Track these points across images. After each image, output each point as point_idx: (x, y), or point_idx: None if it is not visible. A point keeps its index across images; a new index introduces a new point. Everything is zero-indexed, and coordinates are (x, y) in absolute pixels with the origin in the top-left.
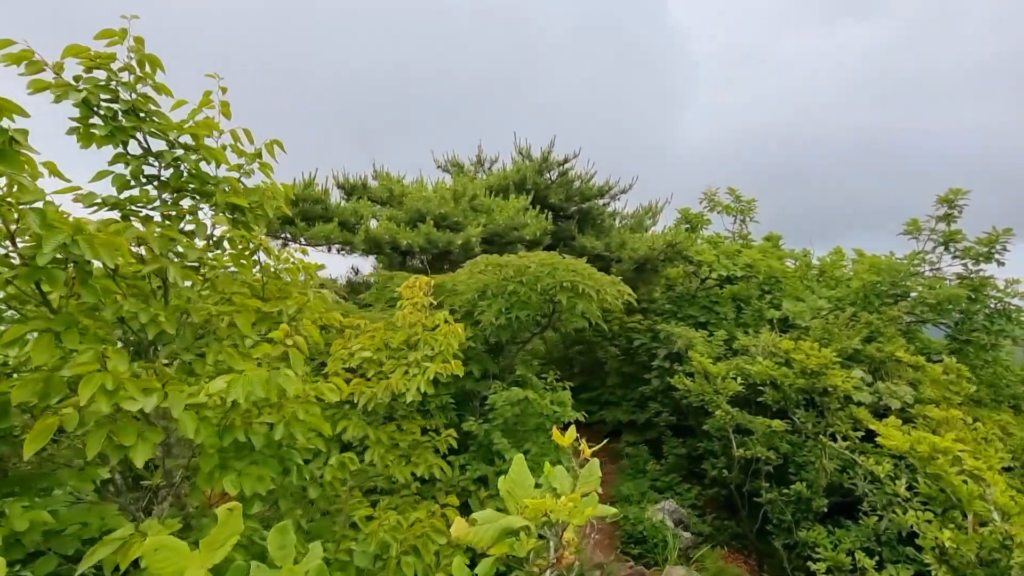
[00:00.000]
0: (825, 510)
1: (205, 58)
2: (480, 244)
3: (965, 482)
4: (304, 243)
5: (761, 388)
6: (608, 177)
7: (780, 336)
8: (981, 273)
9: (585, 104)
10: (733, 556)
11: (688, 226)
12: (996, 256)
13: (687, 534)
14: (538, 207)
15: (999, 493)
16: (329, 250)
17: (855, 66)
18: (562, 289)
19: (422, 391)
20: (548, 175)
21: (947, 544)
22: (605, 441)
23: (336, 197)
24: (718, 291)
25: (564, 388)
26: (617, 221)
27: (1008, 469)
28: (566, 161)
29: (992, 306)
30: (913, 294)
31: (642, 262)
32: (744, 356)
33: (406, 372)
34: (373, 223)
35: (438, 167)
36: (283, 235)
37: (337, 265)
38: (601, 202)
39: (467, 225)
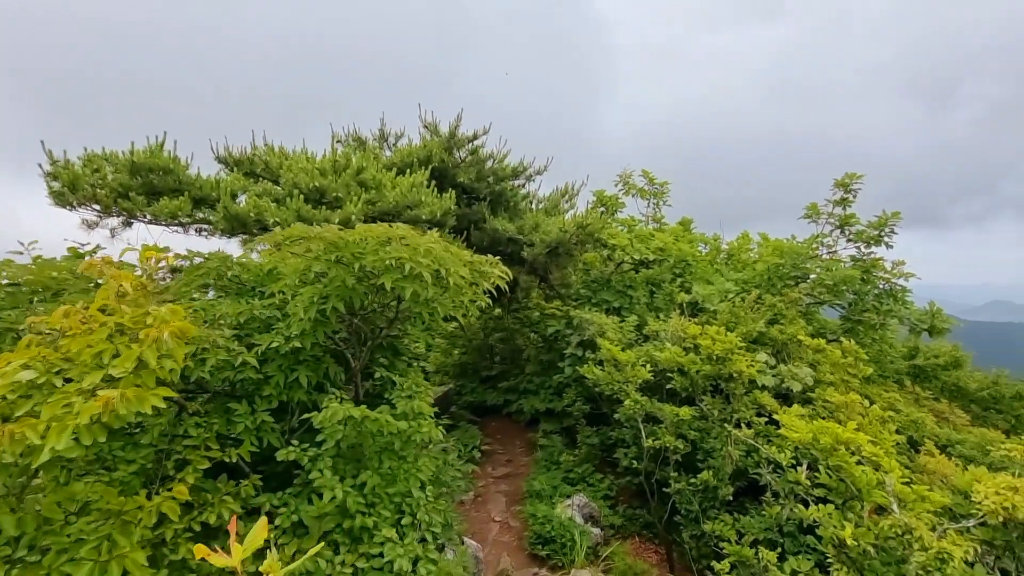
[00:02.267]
0: (731, 498)
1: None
2: (366, 223)
3: (865, 472)
4: (149, 221)
5: (670, 375)
6: (523, 157)
7: (690, 320)
8: (872, 255)
9: (511, 90)
10: (645, 547)
11: (604, 209)
12: (885, 239)
13: (596, 530)
14: (447, 187)
15: (897, 481)
16: (187, 231)
17: (763, 65)
18: (388, 270)
19: (83, 442)
20: (458, 153)
21: (848, 542)
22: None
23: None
24: (633, 275)
25: (428, 394)
26: (534, 204)
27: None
28: (475, 137)
29: (881, 287)
30: (812, 276)
31: (554, 246)
32: (655, 342)
33: (68, 407)
34: (242, 199)
35: (338, 142)
36: (115, 211)
37: (202, 249)
38: (516, 183)
39: (347, 201)
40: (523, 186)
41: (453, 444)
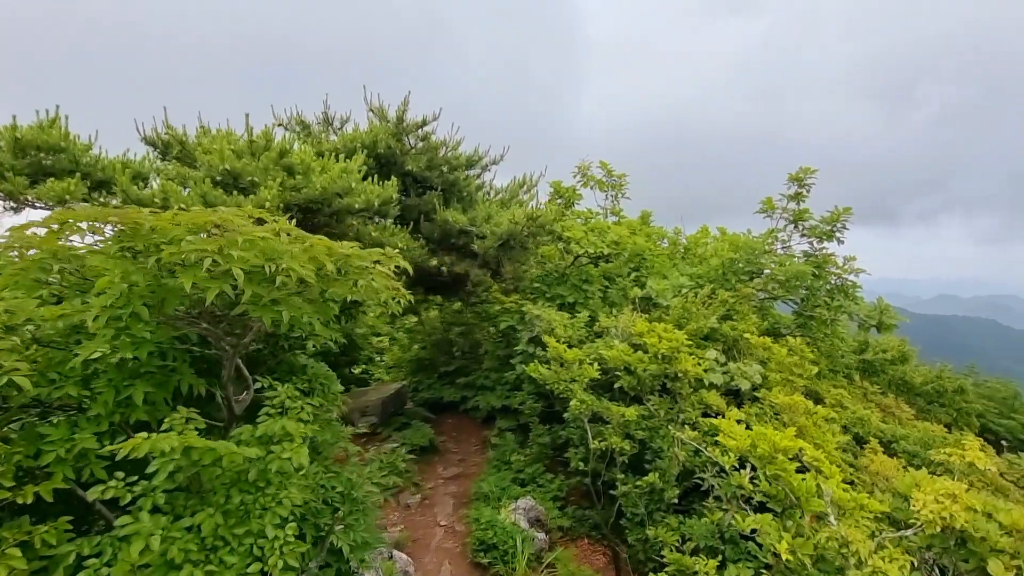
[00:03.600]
0: (676, 500)
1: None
2: (290, 212)
3: (804, 479)
4: (39, 206)
5: (619, 373)
6: (477, 145)
7: (643, 316)
8: (824, 251)
9: (486, 81)
10: (593, 548)
11: (562, 200)
12: (837, 235)
13: (541, 535)
14: (395, 175)
15: (835, 487)
16: None
17: (734, 62)
18: (190, 267)
19: None
20: (408, 139)
21: (784, 556)
22: None
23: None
24: (591, 269)
25: (301, 408)
26: (492, 195)
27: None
28: (424, 123)
29: (832, 282)
30: (767, 271)
31: (506, 238)
32: (606, 339)
33: None
34: (155, 183)
35: (280, 125)
36: None
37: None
38: (472, 173)
39: (262, 186)
40: (479, 176)
41: (375, 453)
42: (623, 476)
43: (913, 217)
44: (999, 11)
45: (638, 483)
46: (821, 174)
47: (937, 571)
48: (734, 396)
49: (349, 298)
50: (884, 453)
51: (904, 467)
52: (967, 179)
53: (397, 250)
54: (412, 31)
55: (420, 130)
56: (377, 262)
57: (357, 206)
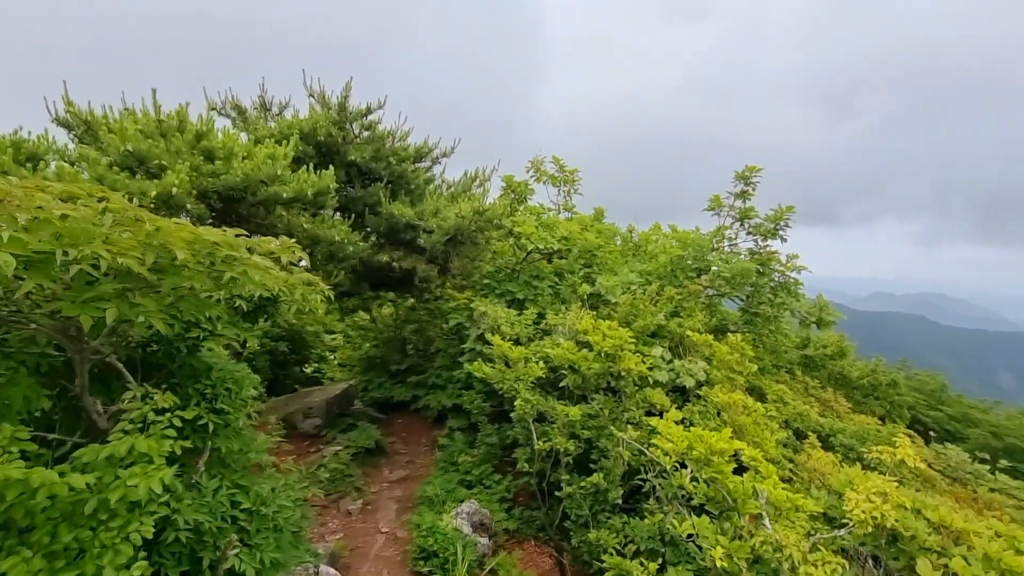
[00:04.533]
0: (619, 502)
1: None
2: (208, 200)
3: (742, 481)
4: None
5: (564, 372)
6: (427, 136)
7: (592, 313)
8: (768, 249)
9: (449, 74)
10: (540, 550)
11: (514, 195)
12: (780, 233)
13: (484, 540)
14: (337, 165)
15: (772, 487)
16: None
17: (689, 64)
18: None
19: None
20: (352, 128)
21: (718, 563)
22: None
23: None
24: (543, 265)
25: (168, 423)
26: (444, 188)
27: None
28: (369, 111)
29: (776, 280)
30: (714, 268)
31: (454, 233)
32: (553, 336)
33: None
34: (52, 165)
35: (212, 109)
36: None
37: None
38: (422, 165)
39: (171, 170)
40: (429, 169)
41: (297, 463)
42: (568, 476)
43: (852, 219)
44: (931, 31)
45: (583, 484)
46: (767, 175)
47: (871, 563)
48: (680, 393)
49: (255, 294)
50: (822, 447)
51: (840, 462)
52: (901, 185)
53: (336, 243)
54: (371, 20)
55: (365, 118)
56: (272, 253)
57: (286, 195)
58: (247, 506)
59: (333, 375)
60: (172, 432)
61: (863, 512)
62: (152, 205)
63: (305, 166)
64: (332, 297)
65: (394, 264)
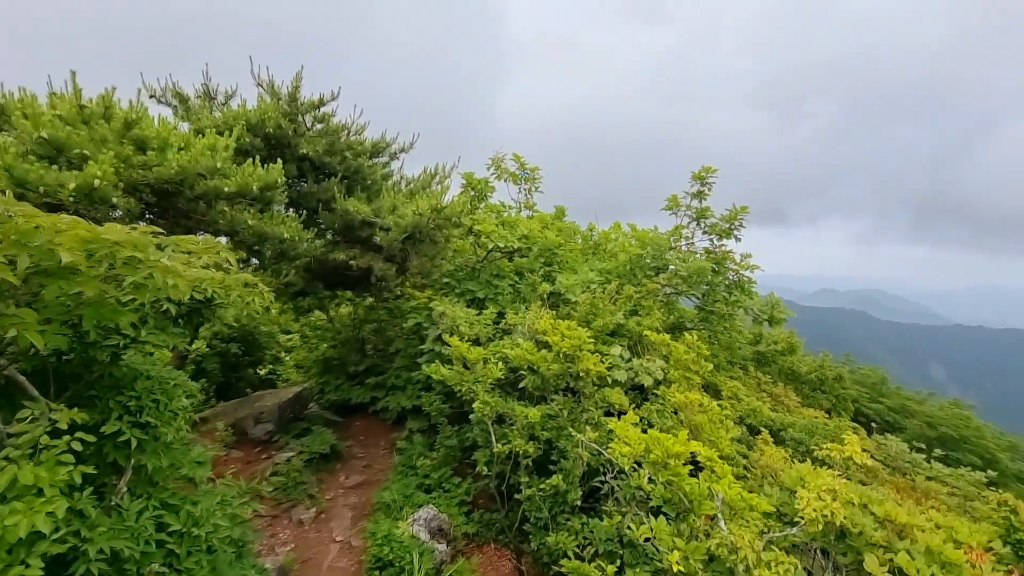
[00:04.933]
0: (579, 503)
1: None
2: (139, 193)
3: (698, 481)
4: None
5: (523, 373)
6: (384, 131)
7: (550, 312)
8: (723, 248)
9: (413, 71)
10: (500, 553)
11: (474, 193)
12: (735, 232)
13: (442, 546)
14: (288, 159)
15: (727, 488)
16: None
17: (648, 65)
18: None
19: None
20: (304, 120)
21: (675, 568)
22: None
23: None
24: (505, 264)
25: (65, 451)
26: (404, 185)
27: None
28: (322, 102)
29: (731, 278)
30: (672, 267)
31: (411, 230)
32: (512, 336)
33: None
34: None
35: (152, 97)
36: None
37: None
38: (379, 160)
39: (92, 160)
40: (387, 165)
41: (232, 479)
42: (528, 479)
43: (800, 219)
44: (870, 44)
45: (542, 486)
46: (721, 176)
47: (820, 557)
48: (639, 391)
49: (184, 297)
50: (774, 441)
51: (791, 457)
52: (844, 187)
53: (286, 240)
54: (328, 9)
55: (317, 110)
56: (191, 253)
57: (228, 190)
58: (176, 528)
59: (289, 377)
60: (70, 457)
61: (814, 511)
62: (72, 199)
63: (251, 159)
64: (287, 297)
65: (351, 262)
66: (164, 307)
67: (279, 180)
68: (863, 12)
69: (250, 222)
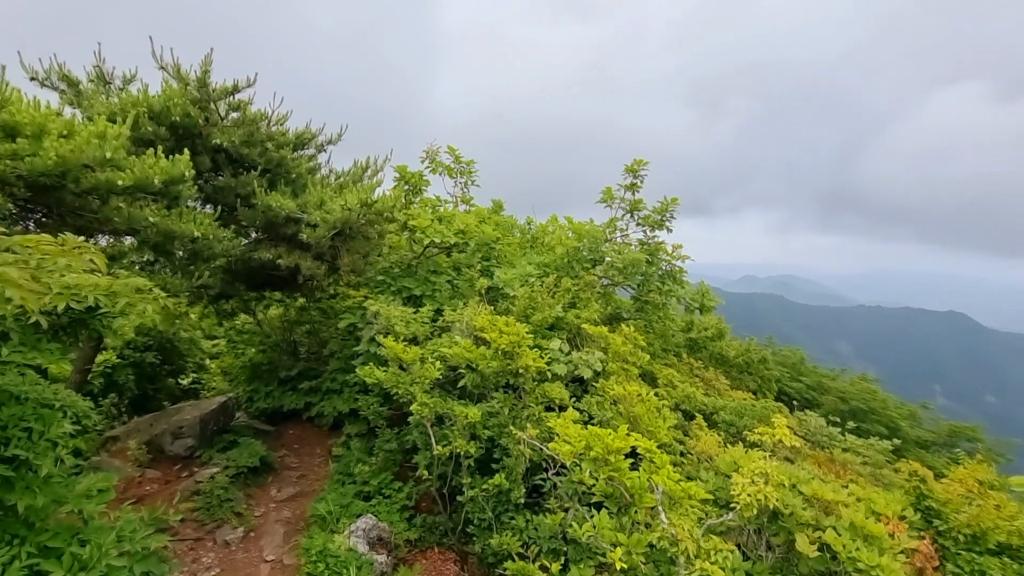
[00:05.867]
0: (522, 501)
1: None
2: (10, 187)
3: (639, 475)
4: None
5: (462, 371)
6: (309, 121)
7: (489, 307)
8: (656, 239)
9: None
10: (445, 556)
11: (408, 187)
12: (667, 224)
13: (382, 557)
14: (199, 150)
15: (666, 479)
16: None
17: (577, 62)
18: None
19: None
20: (217, 108)
21: (618, 566)
22: None
23: None
24: (442, 259)
25: None
26: (333, 179)
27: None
28: (236, 89)
29: (664, 268)
30: (608, 259)
31: (340, 227)
32: (450, 334)
33: None
34: None
35: (33, 79)
36: None
37: None
38: (305, 153)
39: None
40: (312, 158)
41: (130, 508)
42: (470, 479)
43: (723, 210)
44: (791, 47)
45: (485, 486)
46: (651, 170)
47: (754, 536)
48: (580, 384)
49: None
50: (707, 425)
51: (724, 440)
52: (761, 181)
53: (198, 239)
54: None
55: (232, 97)
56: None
57: (123, 184)
58: (60, 575)
59: (216, 385)
60: None
61: (748, 496)
62: None
63: (154, 150)
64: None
65: (277, 262)
66: (32, 319)
67: (186, 173)
68: (776, 24)
69: (152, 219)
